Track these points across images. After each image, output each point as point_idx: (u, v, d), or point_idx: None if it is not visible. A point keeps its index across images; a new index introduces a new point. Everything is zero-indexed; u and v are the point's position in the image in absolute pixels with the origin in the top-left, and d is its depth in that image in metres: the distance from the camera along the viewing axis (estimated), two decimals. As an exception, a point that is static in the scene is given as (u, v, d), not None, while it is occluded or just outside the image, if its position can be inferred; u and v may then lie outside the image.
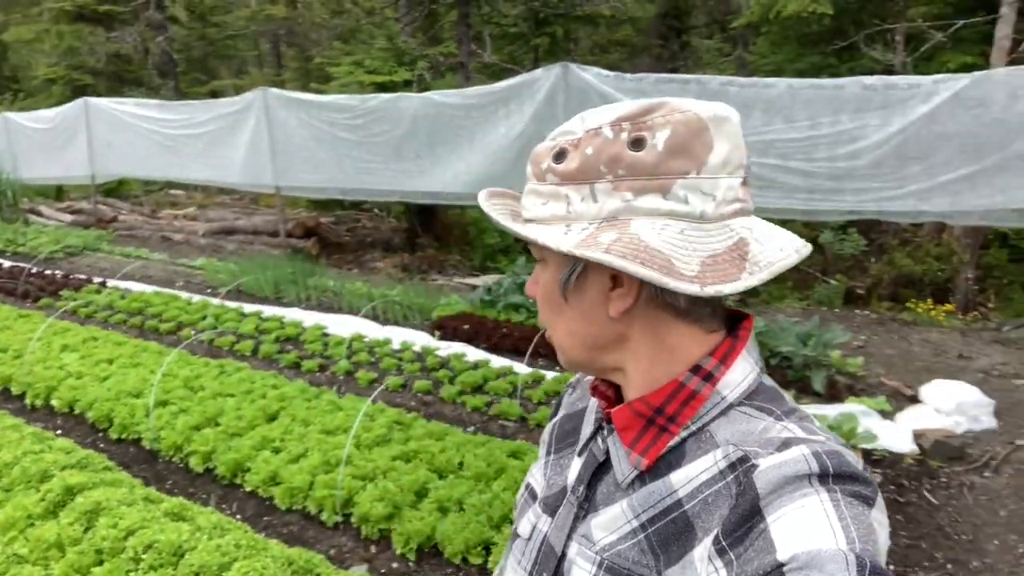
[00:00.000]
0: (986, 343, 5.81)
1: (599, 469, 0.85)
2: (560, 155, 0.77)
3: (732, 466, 0.72)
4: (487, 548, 2.94)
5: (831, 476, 0.66)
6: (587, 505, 0.84)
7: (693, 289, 0.69)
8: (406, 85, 9.61)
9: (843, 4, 8.98)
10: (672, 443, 0.77)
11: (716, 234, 0.72)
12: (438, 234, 10.60)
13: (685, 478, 0.75)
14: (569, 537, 0.84)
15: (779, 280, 8.00)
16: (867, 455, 4.02)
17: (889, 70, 7.84)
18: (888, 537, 0.66)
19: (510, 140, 7.04)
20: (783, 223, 0.77)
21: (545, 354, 5.17)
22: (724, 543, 0.68)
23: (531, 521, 0.91)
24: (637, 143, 0.73)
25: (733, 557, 0.66)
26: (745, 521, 0.67)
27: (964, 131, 5.47)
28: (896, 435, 4.19)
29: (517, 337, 5.60)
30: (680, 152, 0.72)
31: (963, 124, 5.46)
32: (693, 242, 0.71)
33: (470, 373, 4.87)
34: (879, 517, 0.66)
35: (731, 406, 0.77)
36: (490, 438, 3.83)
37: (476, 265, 9.60)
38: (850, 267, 7.44)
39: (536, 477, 0.97)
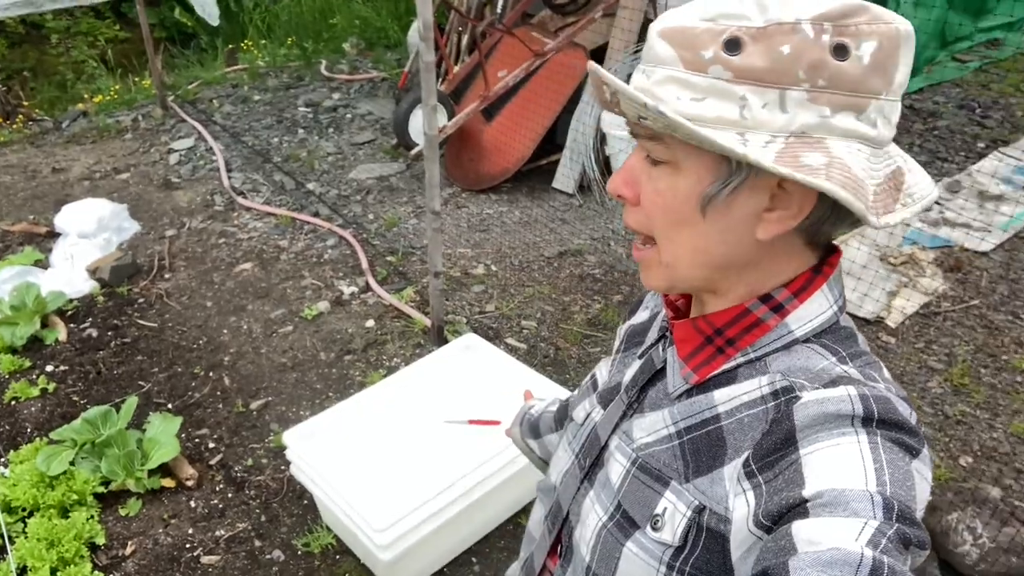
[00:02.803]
0: (62, 146, 5.57)
1: (654, 376, 0.85)
2: (734, 44, 0.64)
3: (775, 393, 0.71)
4: None
5: (875, 420, 0.64)
6: (636, 406, 0.86)
7: (872, 220, 0.66)
8: None
9: None
10: (726, 366, 0.76)
11: (882, 161, 0.69)
12: None
13: (728, 396, 0.75)
14: (614, 431, 0.87)
15: None
16: (64, 315, 3.66)
17: None
18: (929, 492, 0.67)
19: None
20: None
21: None
22: (754, 466, 0.68)
23: (586, 409, 0.95)
24: (841, 50, 0.64)
25: (762, 481, 0.66)
26: (778, 449, 0.67)
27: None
28: (72, 280, 3.90)
29: None
30: (880, 69, 0.66)
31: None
32: (871, 169, 0.67)
33: None
34: (921, 469, 0.65)
35: (796, 341, 0.74)
36: None
37: None
38: None
39: (602, 370, 1.00)
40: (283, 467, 2.83)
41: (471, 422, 2.78)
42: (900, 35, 0.66)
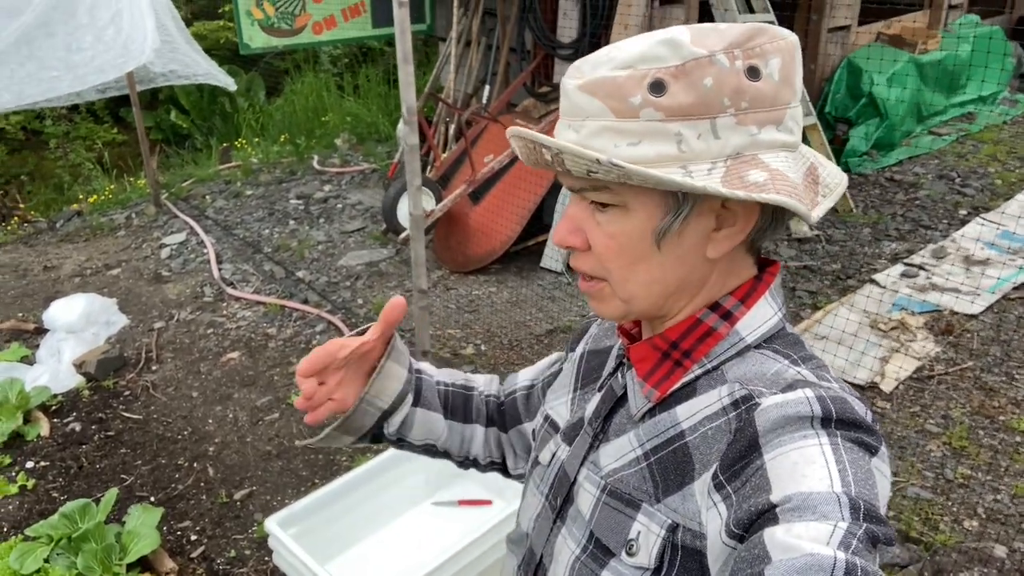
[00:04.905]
0: (55, 245, 5.63)
1: (616, 403, 0.85)
2: (658, 86, 0.67)
3: (735, 403, 0.72)
4: None
5: (833, 421, 0.66)
6: (601, 436, 0.85)
7: (813, 218, 0.70)
8: None
9: None
10: (686, 379, 0.77)
11: (799, 161, 0.73)
12: None
13: (690, 411, 0.75)
14: (582, 464, 0.86)
15: None
16: (47, 410, 3.61)
17: None
18: (890, 488, 0.69)
19: None
20: None
21: None
22: (722, 478, 0.68)
23: (551, 450, 0.94)
24: (753, 72, 0.68)
25: (731, 491, 0.67)
26: (743, 457, 0.67)
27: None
28: (58, 375, 3.86)
29: None
30: (788, 81, 0.71)
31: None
32: (796, 171, 0.72)
33: None
34: (881, 466, 0.66)
35: (748, 347, 0.77)
36: None
37: None
38: None
39: (559, 411, 0.98)
40: (267, 558, 2.73)
41: (461, 502, 2.70)
42: (795, 47, 0.73)
